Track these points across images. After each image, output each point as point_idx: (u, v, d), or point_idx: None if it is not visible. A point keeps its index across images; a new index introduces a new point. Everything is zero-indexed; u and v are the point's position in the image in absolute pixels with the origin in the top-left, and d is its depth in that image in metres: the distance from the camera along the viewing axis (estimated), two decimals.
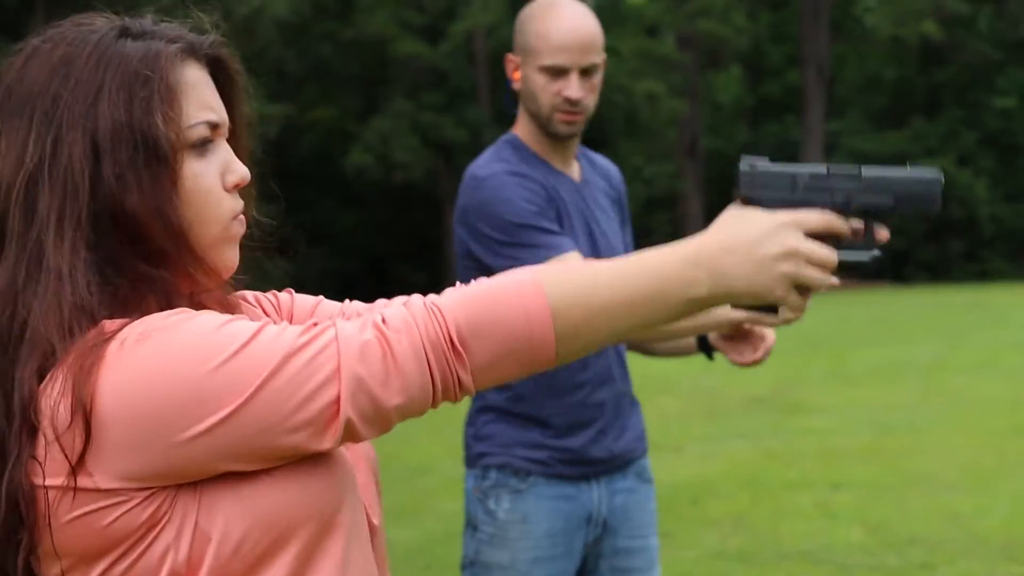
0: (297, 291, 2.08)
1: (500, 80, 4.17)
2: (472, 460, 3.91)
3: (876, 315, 23.62)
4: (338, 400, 1.68)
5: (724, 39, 36.98)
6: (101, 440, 1.64)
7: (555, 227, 3.70)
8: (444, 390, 1.73)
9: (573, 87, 3.76)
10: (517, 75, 3.85)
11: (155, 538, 1.68)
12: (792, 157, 38.66)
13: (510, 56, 3.86)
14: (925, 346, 18.10)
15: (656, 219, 40.02)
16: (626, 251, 3.96)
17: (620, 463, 3.91)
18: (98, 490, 1.66)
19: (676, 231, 38.42)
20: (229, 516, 1.70)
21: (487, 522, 3.84)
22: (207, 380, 1.65)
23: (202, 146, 1.79)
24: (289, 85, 31.73)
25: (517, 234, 3.67)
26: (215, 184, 1.80)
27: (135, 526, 1.67)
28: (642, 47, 36.64)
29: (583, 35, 3.77)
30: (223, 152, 1.82)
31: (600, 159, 4.07)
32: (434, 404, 1.75)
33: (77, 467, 1.65)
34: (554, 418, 3.82)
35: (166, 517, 1.68)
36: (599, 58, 3.81)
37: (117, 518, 1.67)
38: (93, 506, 1.66)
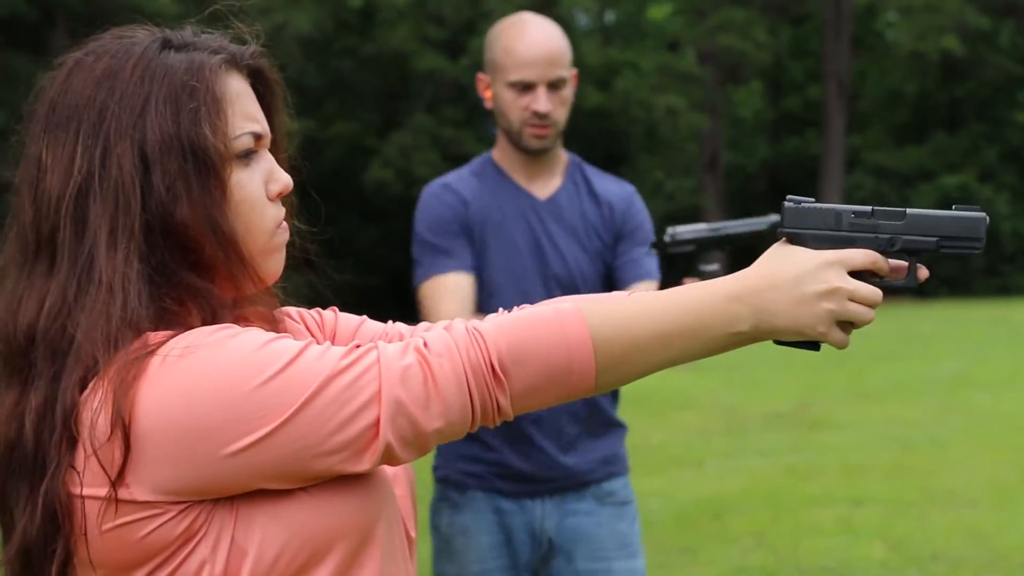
0: (317, 306, 2.08)
1: None
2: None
3: (897, 331, 23.55)
4: (377, 423, 1.68)
5: (745, 54, 36.94)
6: (140, 453, 1.65)
7: (447, 245, 3.79)
8: (483, 415, 1.74)
9: (541, 101, 3.81)
10: (488, 93, 3.91)
11: (191, 551, 1.69)
12: (813, 172, 38.62)
13: (480, 75, 3.93)
14: (947, 362, 18.05)
15: None
16: (606, 272, 3.95)
17: (571, 483, 3.91)
18: (135, 502, 1.66)
19: None
20: (266, 531, 1.70)
21: (435, 535, 3.92)
22: (249, 398, 1.65)
23: (247, 156, 1.80)
24: (310, 100, 31.80)
25: (416, 249, 3.84)
26: (260, 193, 1.81)
27: (171, 539, 1.68)
28: (663, 62, 36.65)
29: (548, 49, 3.82)
30: (266, 162, 1.84)
31: (606, 184, 4.03)
32: (472, 428, 1.75)
33: (117, 478, 1.65)
34: (488, 432, 3.85)
35: (203, 531, 1.69)
36: (566, 72, 3.86)
37: (153, 530, 1.67)
38: (130, 518, 1.67)
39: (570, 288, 3.82)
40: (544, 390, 1.75)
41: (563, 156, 4.00)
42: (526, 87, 3.81)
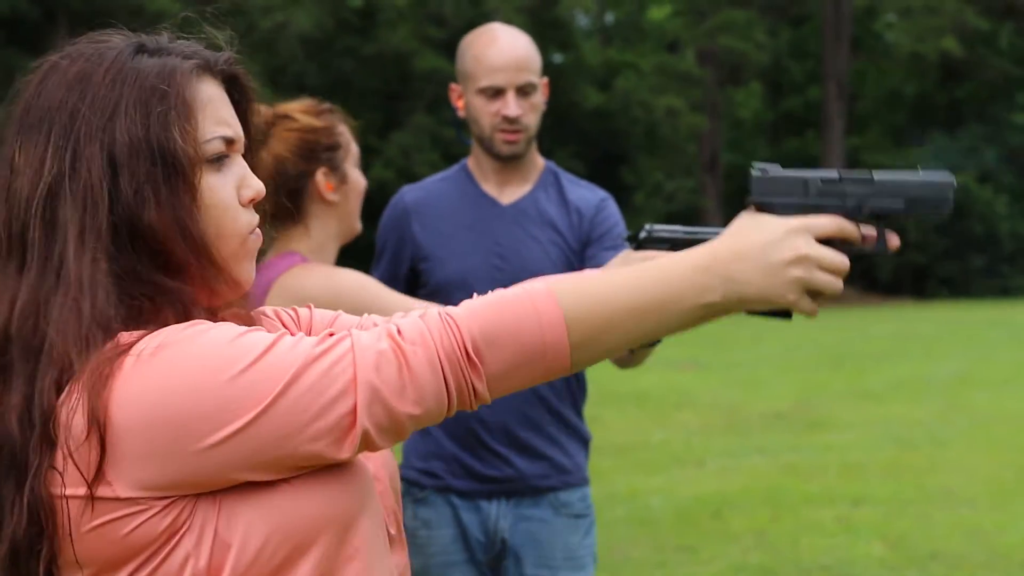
0: None
1: None
2: None
3: (897, 331, 23.57)
4: (355, 410, 1.69)
5: (745, 55, 36.97)
6: (119, 450, 1.66)
7: (380, 249, 4.02)
8: (459, 400, 1.75)
9: (511, 105, 3.86)
10: (460, 103, 3.97)
11: (175, 546, 1.70)
12: None
13: (453, 86, 3.99)
14: (947, 362, 18.06)
15: None
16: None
17: (523, 488, 3.95)
18: (117, 499, 1.67)
19: None
20: (249, 523, 1.71)
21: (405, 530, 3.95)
22: (224, 390, 1.66)
23: (218, 161, 1.81)
24: None
25: None
26: (232, 198, 1.82)
27: (155, 534, 1.69)
28: (663, 63, 36.68)
29: (517, 55, 3.88)
30: (239, 167, 1.84)
31: (578, 191, 4.07)
32: (449, 413, 1.76)
33: (96, 477, 1.66)
34: (440, 433, 3.92)
35: (186, 525, 1.69)
36: (536, 77, 3.90)
37: (137, 527, 1.68)
38: (113, 515, 1.68)
39: None
40: (520, 371, 1.76)
41: (538, 163, 4.05)
42: (496, 92, 3.87)
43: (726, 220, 38.36)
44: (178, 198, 1.75)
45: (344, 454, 1.71)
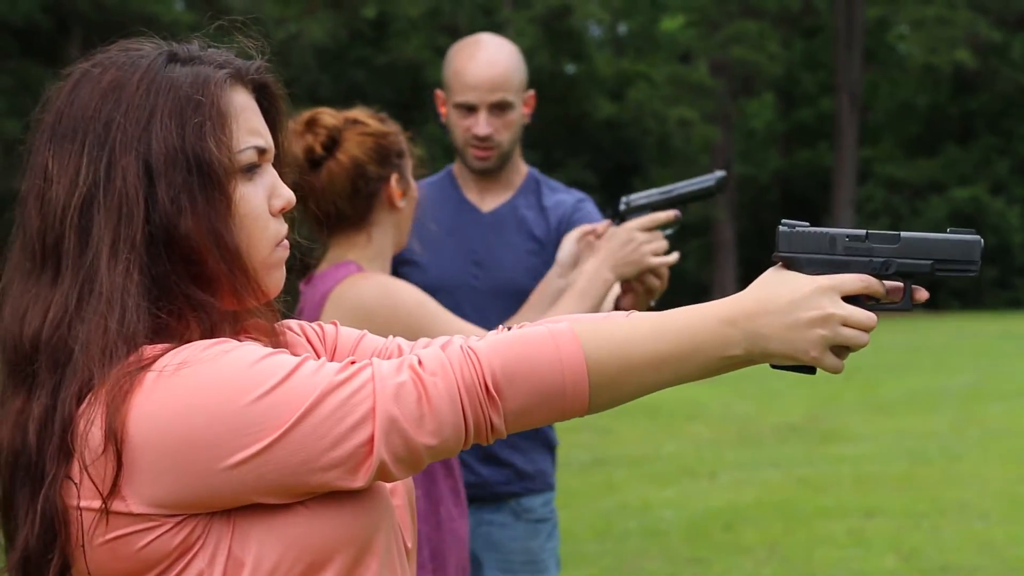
0: None
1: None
2: None
3: (910, 343, 23.52)
4: (372, 440, 1.69)
5: (757, 66, 36.95)
6: (134, 466, 1.66)
7: None
8: (476, 432, 1.75)
9: (480, 124, 3.88)
10: (444, 110, 3.99)
11: (188, 563, 1.70)
12: (825, 184, 38.59)
13: (438, 91, 4.00)
14: (959, 374, 18.03)
15: (689, 245, 39.95)
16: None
17: (485, 495, 3.95)
18: (131, 514, 1.67)
19: (708, 257, 38.36)
20: (263, 543, 1.71)
21: None
22: (243, 413, 1.66)
23: (251, 171, 1.81)
24: None
25: None
26: (263, 208, 1.82)
27: (168, 550, 1.69)
28: (675, 73, 36.67)
29: (493, 73, 3.88)
30: (269, 176, 1.84)
31: (556, 195, 4.08)
32: (465, 445, 1.76)
33: (111, 491, 1.66)
34: None
35: (199, 543, 1.69)
36: (513, 95, 3.90)
37: (150, 542, 1.68)
38: (126, 530, 1.68)
39: (505, 297, 3.85)
40: (538, 409, 1.76)
41: (521, 170, 4.08)
42: (469, 109, 3.89)
43: (738, 231, 38.23)
44: (214, 208, 1.75)
45: (358, 483, 1.71)
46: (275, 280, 1.85)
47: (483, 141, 3.89)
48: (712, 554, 8.31)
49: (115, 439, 1.65)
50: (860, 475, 10.82)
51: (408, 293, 3.22)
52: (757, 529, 9.01)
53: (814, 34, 42.57)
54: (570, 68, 35.82)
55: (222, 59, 1.83)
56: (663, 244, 3.35)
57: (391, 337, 2.05)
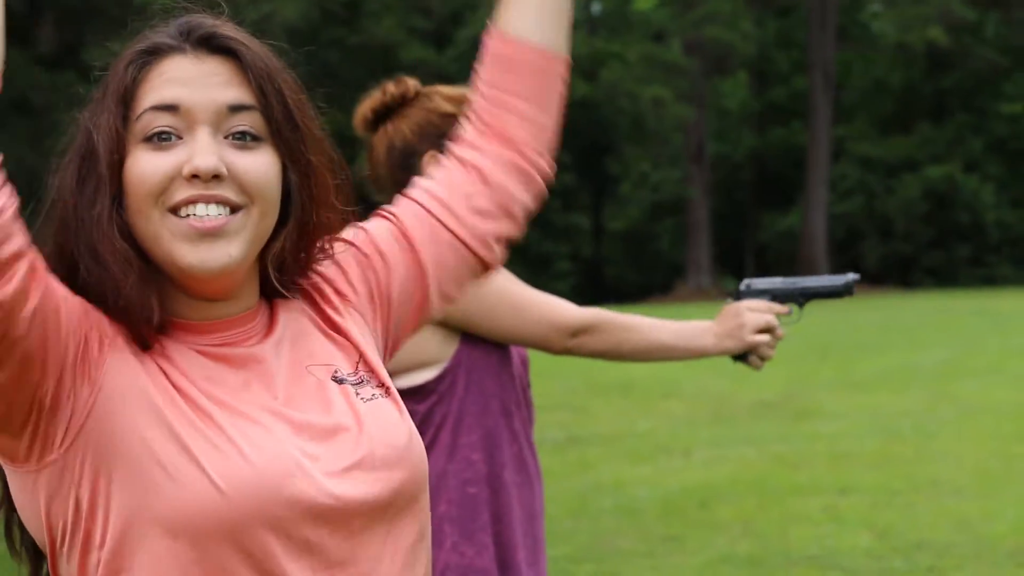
0: None
1: None
2: None
3: (884, 321, 23.60)
4: None
5: (731, 45, 36.99)
6: None
7: None
8: None
9: None
10: None
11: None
12: (798, 163, 38.64)
13: None
14: (933, 352, 18.09)
15: (663, 224, 39.97)
16: None
17: None
18: None
19: (682, 236, 38.40)
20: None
21: None
22: None
23: (159, 140, 1.71)
24: None
25: None
26: (154, 176, 1.72)
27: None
28: (649, 53, 36.66)
29: None
30: (196, 142, 1.72)
31: None
32: None
33: None
34: None
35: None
36: None
37: None
38: None
39: None
40: None
41: None
42: None
43: (712, 209, 38.28)
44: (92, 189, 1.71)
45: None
46: (193, 254, 1.69)
47: None
48: (687, 531, 8.32)
49: None
50: (834, 452, 10.85)
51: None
52: (732, 506, 9.03)
53: (787, 13, 42.61)
54: None
55: (166, 31, 1.76)
56: (772, 329, 3.42)
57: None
